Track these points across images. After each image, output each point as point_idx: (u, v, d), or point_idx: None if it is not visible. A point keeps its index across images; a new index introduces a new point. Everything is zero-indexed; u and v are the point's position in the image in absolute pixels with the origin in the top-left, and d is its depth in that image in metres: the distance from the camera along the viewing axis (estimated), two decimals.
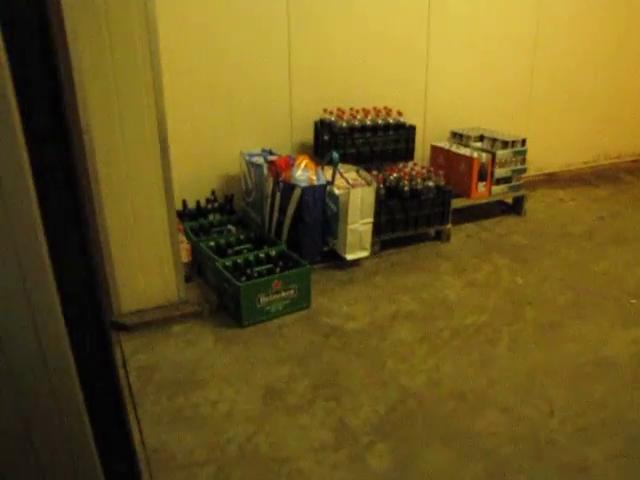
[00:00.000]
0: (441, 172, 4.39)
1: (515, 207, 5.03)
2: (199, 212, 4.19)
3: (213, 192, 4.30)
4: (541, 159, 5.86)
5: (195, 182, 4.25)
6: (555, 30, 5.57)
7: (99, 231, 3.04)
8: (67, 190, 1.67)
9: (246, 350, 3.04)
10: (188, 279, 3.56)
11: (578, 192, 5.68)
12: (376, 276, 3.88)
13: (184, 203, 4.17)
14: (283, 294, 3.31)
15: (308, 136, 4.59)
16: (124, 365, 2.85)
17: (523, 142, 4.86)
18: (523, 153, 4.87)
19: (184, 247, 3.55)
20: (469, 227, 4.72)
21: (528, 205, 5.04)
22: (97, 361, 1.57)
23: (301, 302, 3.41)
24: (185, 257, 3.55)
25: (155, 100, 2.99)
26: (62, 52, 2.73)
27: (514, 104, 5.64)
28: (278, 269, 3.41)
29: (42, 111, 1.34)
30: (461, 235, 4.55)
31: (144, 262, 3.22)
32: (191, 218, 4.12)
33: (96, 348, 1.57)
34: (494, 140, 4.83)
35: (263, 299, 3.24)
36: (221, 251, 3.63)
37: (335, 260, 3.96)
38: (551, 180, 5.99)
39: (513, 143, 4.81)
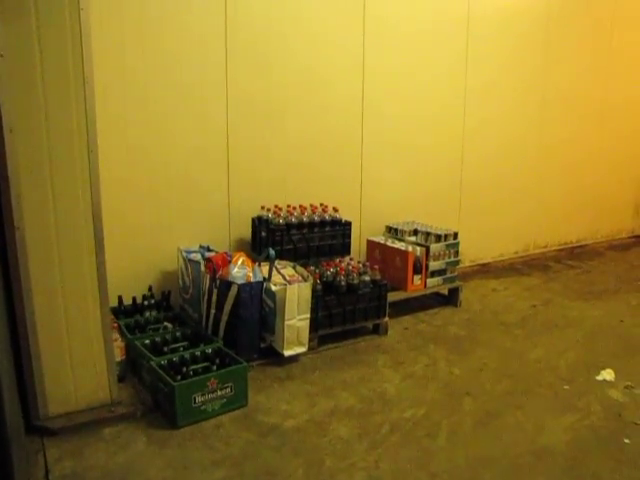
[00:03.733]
0: (376, 266, 4.49)
1: (451, 298, 5.16)
2: (135, 308, 4.12)
3: (150, 288, 4.26)
4: (474, 251, 6.09)
5: (132, 278, 4.20)
6: (481, 130, 5.97)
7: (27, 329, 2.94)
8: None
9: (180, 453, 2.92)
10: (121, 378, 3.45)
11: (511, 281, 5.89)
12: (314, 372, 3.85)
13: (120, 299, 4.10)
14: (219, 393, 3.24)
15: (246, 232, 4.65)
16: (46, 474, 2.68)
17: (455, 235, 5.06)
18: (456, 246, 5.06)
19: (118, 345, 3.46)
20: (406, 320, 4.79)
21: (463, 296, 5.17)
22: None
23: (238, 400, 3.33)
24: (119, 355, 3.45)
25: (91, 196, 3.00)
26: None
27: (446, 199, 5.91)
28: (215, 367, 3.35)
29: None
30: (398, 328, 4.60)
31: (75, 361, 3.11)
32: (127, 315, 4.04)
33: None
34: (427, 234, 5.02)
35: (199, 398, 3.16)
36: (157, 349, 3.55)
37: (273, 356, 3.92)
38: (485, 270, 6.20)
39: (446, 237, 5.01)
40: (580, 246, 7.19)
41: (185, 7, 4.19)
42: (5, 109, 2.72)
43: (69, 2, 2.80)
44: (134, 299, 4.15)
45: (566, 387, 3.69)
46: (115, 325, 3.63)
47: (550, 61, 6.37)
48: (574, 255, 6.97)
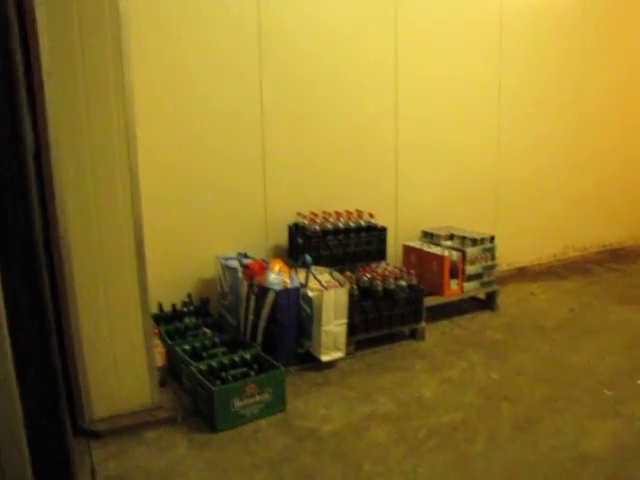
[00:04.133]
0: (412, 271, 4.49)
1: (488, 303, 5.12)
2: (175, 315, 4.21)
3: (189, 295, 4.35)
4: (511, 254, 6.02)
5: (171, 285, 4.29)
6: (516, 130, 5.92)
7: (72, 335, 3.05)
8: (33, 306, 1.73)
9: (220, 456, 2.98)
10: (162, 383, 3.53)
11: (549, 285, 5.82)
12: (352, 377, 3.88)
13: (160, 306, 4.20)
14: (258, 398, 3.29)
15: (283, 239, 4.71)
16: (93, 474, 2.77)
17: (491, 239, 5.03)
18: (492, 250, 5.02)
19: (159, 351, 3.55)
20: (443, 324, 4.78)
21: (500, 300, 5.13)
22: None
23: (276, 405, 3.38)
24: (160, 361, 3.54)
25: (132, 207, 3.11)
26: (46, 165, 2.87)
27: (482, 203, 5.87)
28: (253, 372, 3.40)
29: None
30: (436, 333, 4.59)
31: (118, 367, 3.21)
32: (167, 321, 4.13)
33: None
34: (464, 238, 5.00)
35: (237, 403, 3.22)
36: (196, 354, 3.63)
37: (310, 362, 3.95)
38: (522, 274, 6.13)
39: (482, 240, 4.98)
40: (621, 248, 7.04)
41: (219, 26, 4.28)
42: (52, 126, 2.84)
43: (110, 25, 2.92)
44: (174, 306, 4.24)
45: (608, 392, 3.63)
46: (156, 331, 3.71)
47: (587, 58, 6.29)
48: (615, 257, 6.83)
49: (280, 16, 4.50)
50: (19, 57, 1.45)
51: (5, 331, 1.76)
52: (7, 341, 1.78)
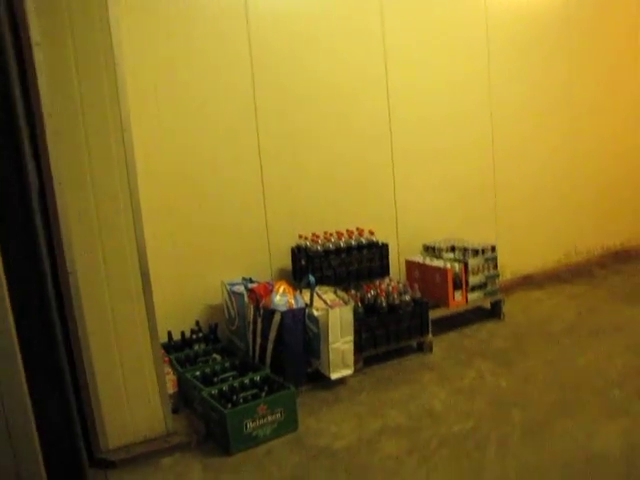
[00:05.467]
0: (416, 285, 4.55)
1: (494, 312, 5.16)
2: (184, 343, 4.27)
3: (197, 322, 4.41)
4: (515, 263, 6.06)
5: (179, 314, 4.36)
6: (511, 140, 6.00)
7: (85, 368, 3.11)
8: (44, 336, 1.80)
9: (235, 478, 3.02)
10: (175, 410, 3.58)
11: (554, 291, 5.85)
12: (362, 393, 3.91)
13: (169, 334, 4.26)
14: (269, 418, 3.33)
15: (286, 262, 4.78)
16: None
17: (493, 249, 5.08)
18: (494, 259, 5.07)
19: (170, 378, 3.61)
20: (450, 336, 4.81)
21: (507, 308, 5.17)
22: None
23: (288, 425, 3.41)
24: (171, 388, 3.59)
25: (136, 239, 3.19)
26: (51, 202, 2.96)
27: (482, 214, 5.93)
28: (263, 394, 3.45)
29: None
30: (443, 344, 4.63)
31: (130, 396, 3.26)
32: (176, 349, 4.19)
33: None
34: (465, 249, 5.05)
35: (250, 425, 3.26)
36: (207, 380, 3.68)
37: (320, 380, 4.00)
38: (527, 282, 6.15)
39: (483, 251, 5.03)
40: (625, 250, 7.05)
41: (211, 46, 4.42)
42: (53, 164, 2.94)
43: (105, 61, 3.03)
44: (182, 334, 4.30)
45: (616, 392, 3.65)
46: (166, 359, 3.77)
47: (574, 57, 6.37)
48: (619, 259, 6.84)
49: (269, 32, 4.64)
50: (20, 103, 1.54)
51: (20, 367, 1.84)
52: (23, 377, 1.85)
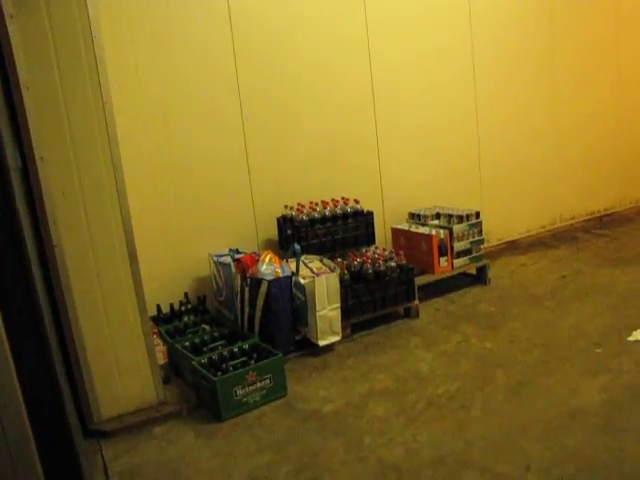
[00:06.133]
0: (401, 252, 4.60)
1: (479, 277, 5.23)
2: (173, 315, 4.31)
3: (186, 294, 4.45)
4: (500, 229, 6.13)
5: (167, 286, 4.40)
6: (494, 105, 6.03)
7: (75, 341, 3.15)
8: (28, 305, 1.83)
9: (227, 443, 3.09)
10: (166, 380, 3.64)
11: (539, 255, 5.93)
12: (349, 358, 3.99)
13: (158, 308, 4.30)
14: (259, 385, 3.40)
15: (273, 232, 4.81)
16: (105, 471, 2.88)
17: (477, 215, 5.13)
18: (479, 225, 5.13)
19: (160, 349, 3.65)
20: (437, 301, 4.89)
21: (492, 273, 5.24)
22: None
23: (277, 391, 3.48)
24: (162, 359, 3.64)
25: (121, 213, 3.22)
26: (34, 177, 2.96)
27: (467, 181, 5.97)
28: (252, 361, 3.51)
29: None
30: (429, 310, 4.70)
31: (121, 367, 3.32)
32: (166, 322, 4.23)
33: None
34: (450, 216, 5.10)
35: (240, 391, 3.32)
36: (196, 350, 3.73)
37: (309, 348, 4.07)
38: (513, 247, 6.23)
39: (468, 217, 5.08)
40: (608, 214, 7.14)
41: (192, 20, 4.39)
42: (35, 138, 2.93)
43: (82, 32, 3.01)
44: (171, 306, 4.34)
45: (598, 350, 3.74)
46: (155, 331, 3.82)
47: (556, 26, 6.38)
48: (603, 224, 6.93)
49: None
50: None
51: (6, 346, 1.87)
52: (9, 355, 1.88)
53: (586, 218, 6.96)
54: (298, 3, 4.85)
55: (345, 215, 4.66)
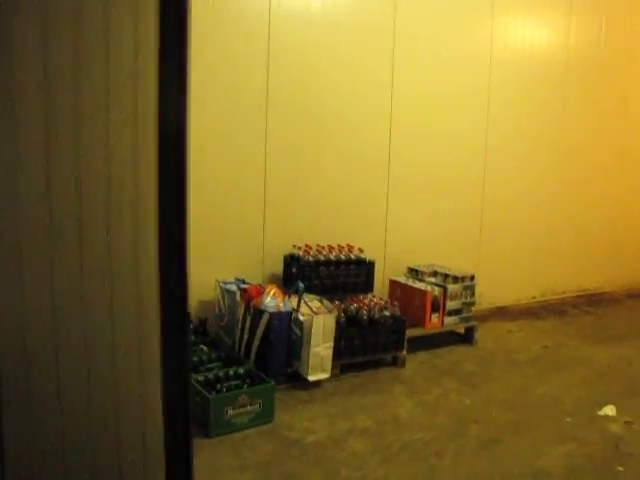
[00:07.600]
0: (396, 303, 4.87)
1: (466, 337, 5.48)
2: None
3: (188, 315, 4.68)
4: (493, 293, 6.38)
5: None
6: (501, 176, 6.37)
7: None
8: None
9: (212, 458, 3.30)
10: None
11: (526, 324, 6.19)
12: (335, 396, 4.22)
13: None
14: (249, 408, 3.63)
15: (278, 268, 5.08)
16: None
17: (472, 278, 5.43)
18: (472, 287, 5.41)
19: None
20: (423, 354, 5.13)
21: (479, 335, 5.49)
22: None
23: (265, 416, 3.71)
24: None
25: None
26: None
27: (466, 243, 6.26)
28: (246, 385, 3.75)
29: None
30: (415, 361, 4.94)
31: None
32: None
33: None
34: (446, 275, 5.38)
35: (230, 412, 3.55)
36: (193, 368, 3.96)
37: (298, 381, 4.29)
38: (502, 313, 6.49)
39: (463, 278, 5.37)
40: (598, 293, 7.42)
41: (231, 61, 4.77)
42: None
43: None
44: None
45: (568, 420, 3.97)
46: None
47: (567, 113, 6.78)
48: (592, 302, 7.20)
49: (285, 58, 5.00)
50: None
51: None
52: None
53: (576, 294, 7.23)
54: (328, 65, 5.22)
55: (348, 261, 4.94)
